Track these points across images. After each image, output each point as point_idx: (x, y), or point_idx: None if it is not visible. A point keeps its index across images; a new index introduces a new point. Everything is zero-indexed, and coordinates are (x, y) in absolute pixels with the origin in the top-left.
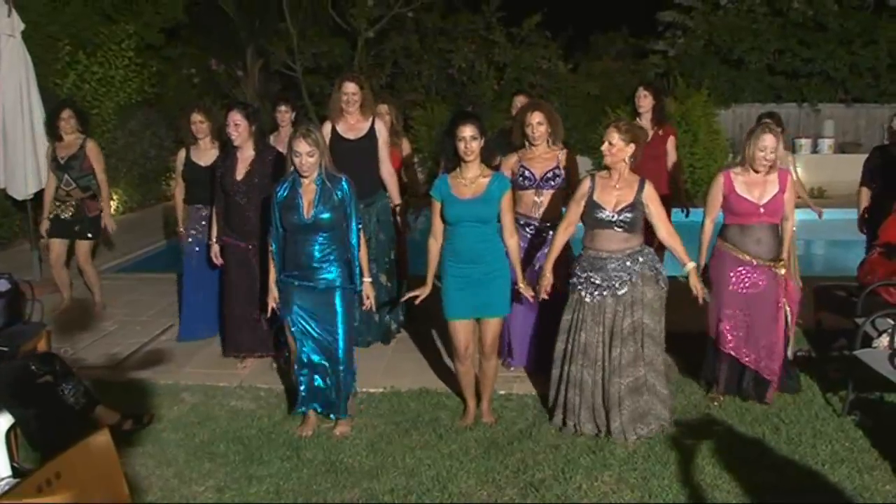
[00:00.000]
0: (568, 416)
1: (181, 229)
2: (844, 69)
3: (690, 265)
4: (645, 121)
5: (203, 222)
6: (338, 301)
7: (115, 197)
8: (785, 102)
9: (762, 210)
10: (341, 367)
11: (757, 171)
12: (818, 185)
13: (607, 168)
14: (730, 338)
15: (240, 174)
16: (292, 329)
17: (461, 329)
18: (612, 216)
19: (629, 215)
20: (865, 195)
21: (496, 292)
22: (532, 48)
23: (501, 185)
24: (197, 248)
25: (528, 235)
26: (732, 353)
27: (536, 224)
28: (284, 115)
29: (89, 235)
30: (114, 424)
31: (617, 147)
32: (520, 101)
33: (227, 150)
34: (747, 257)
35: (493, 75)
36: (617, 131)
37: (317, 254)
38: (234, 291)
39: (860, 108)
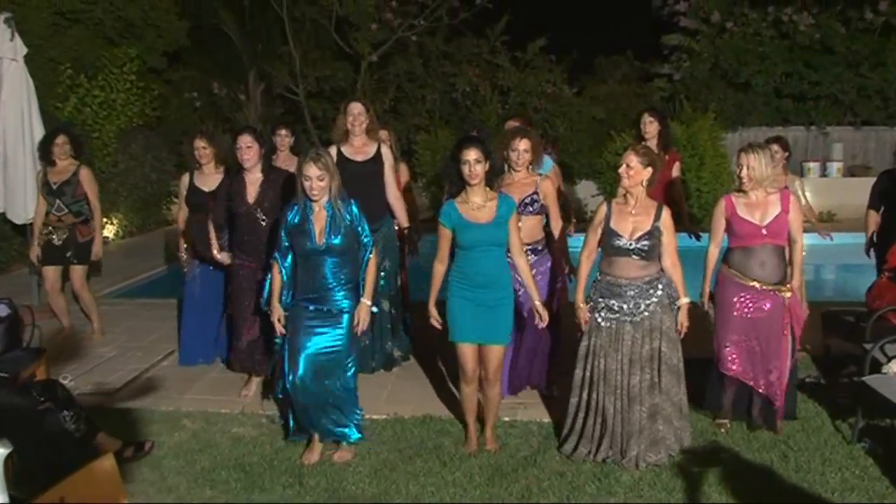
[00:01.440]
0: (583, 443)
1: (183, 254)
2: (852, 92)
3: (684, 300)
4: (651, 146)
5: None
6: (345, 325)
7: (115, 221)
8: (793, 126)
9: (765, 231)
10: (344, 392)
11: (742, 191)
12: (827, 209)
13: (624, 193)
14: (735, 362)
15: (251, 197)
16: (295, 351)
17: (468, 351)
18: (630, 244)
19: (647, 243)
20: (873, 218)
21: (501, 319)
22: (536, 72)
23: (508, 206)
24: (200, 273)
25: (509, 261)
26: (738, 377)
27: None
28: (284, 139)
29: (78, 261)
30: (115, 452)
31: (635, 170)
32: (509, 125)
33: (233, 173)
34: (751, 282)
35: (497, 99)
36: (635, 154)
37: (329, 276)
38: (242, 312)
39: (869, 131)
